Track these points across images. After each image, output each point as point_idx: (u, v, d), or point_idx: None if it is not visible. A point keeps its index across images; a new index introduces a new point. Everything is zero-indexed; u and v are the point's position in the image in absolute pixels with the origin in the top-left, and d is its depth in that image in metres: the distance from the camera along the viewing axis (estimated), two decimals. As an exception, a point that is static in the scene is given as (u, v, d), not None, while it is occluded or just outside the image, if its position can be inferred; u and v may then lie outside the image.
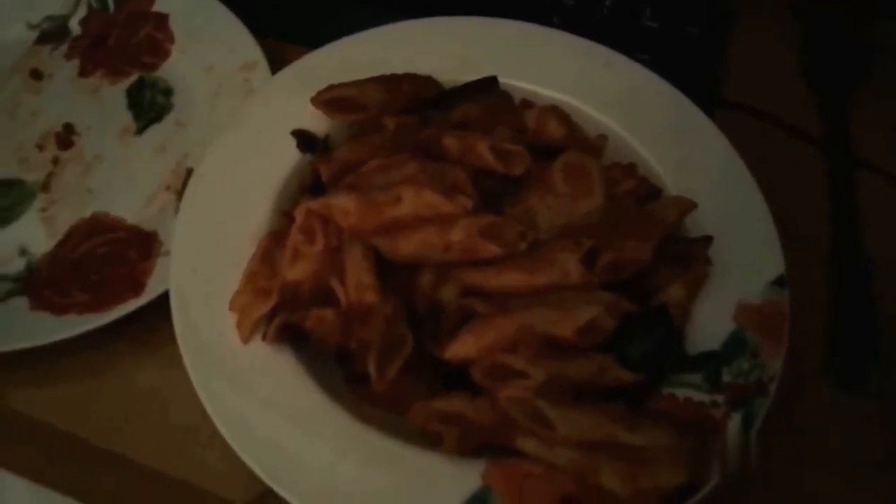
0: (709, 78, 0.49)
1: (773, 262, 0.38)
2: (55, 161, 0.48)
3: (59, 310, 0.41)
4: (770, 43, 0.52)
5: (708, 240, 0.38)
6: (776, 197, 0.40)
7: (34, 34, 0.52)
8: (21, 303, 0.42)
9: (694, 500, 0.32)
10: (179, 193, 0.44)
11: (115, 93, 0.50)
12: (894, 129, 0.48)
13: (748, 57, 0.51)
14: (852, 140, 0.48)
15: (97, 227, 0.45)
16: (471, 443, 0.33)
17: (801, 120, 0.48)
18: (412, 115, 0.40)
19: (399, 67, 0.42)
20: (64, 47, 0.52)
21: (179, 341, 0.36)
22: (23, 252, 0.44)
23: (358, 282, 0.35)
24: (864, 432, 0.39)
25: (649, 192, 0.40)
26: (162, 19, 0.52)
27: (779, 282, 0.37)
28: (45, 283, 0.42)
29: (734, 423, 0.34)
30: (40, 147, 0.48)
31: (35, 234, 0.45)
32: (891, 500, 0.38)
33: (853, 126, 0.48)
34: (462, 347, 0.34)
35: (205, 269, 0.38)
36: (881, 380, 0.40)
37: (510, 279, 0.35)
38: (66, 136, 0.48)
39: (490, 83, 0.43)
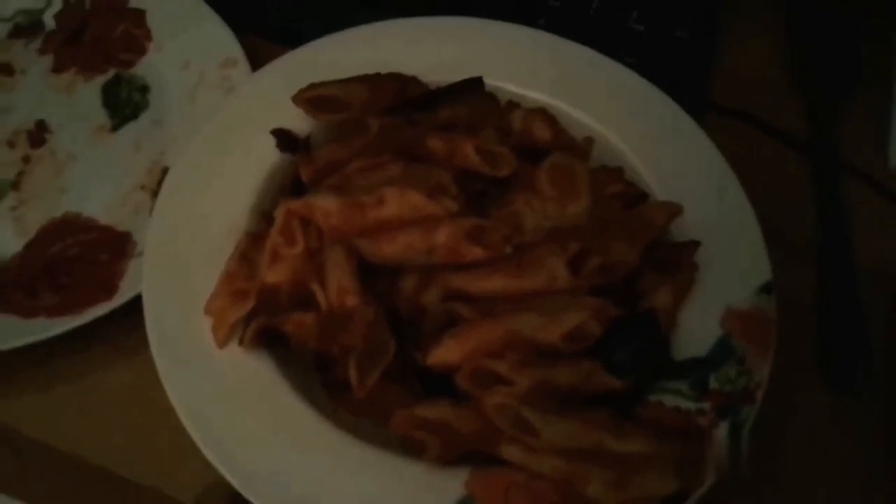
0: (697, 82, 0.49)
1: (760, 268, 0.38)
2: (26, 159, 0.46)
3: (28, 312, 0.40)
4: (759, 48, 0.52)
5: (695, 245, 0.38)
6: (764, 202, 0.39)
7: (6, 28, 0.51)
8: (-12, 305, 0.40)
9: (681, 510, 0.32)
10: (154, 193, 0.43)
11: (89, 90, 0.49)
12: (882, 136, 0.48)
13: (737, 61, 0.51)
14: (840, 146, 0.47)
15: (69, 228, 0.43)
16: (454, 451, 0.33)
17: (790, 125, 0.48)
18: (396, 115, 0.39)
19: (383, 67, 0.42)
20: (37, 42, 0.50)
21: (152, 346, 0.35)
22: (-9, 253, 0.43)
23: (339, 285, 0.34)
24: (858, 434, 0.39)
25: (636, 195, 0.39)
26: (139, 15, 0.50)
27: (766, 288, 0.37)
28: (13, 284, 0.41)
29: (721, 430, 0.33)
30: (11, 144, 0.47)
31: (4, 234, 0.43)
32: (888, 501, 0.38)
33: (842, 132, 0.48)
34: (446, 353, 0.33)
35: (179, 271, 0.37)
36: (873, 381, 0.40)
37: (496, 283, 0.34)
38: (38, 134, 0.47)
39: (475, 84, 0.42)
